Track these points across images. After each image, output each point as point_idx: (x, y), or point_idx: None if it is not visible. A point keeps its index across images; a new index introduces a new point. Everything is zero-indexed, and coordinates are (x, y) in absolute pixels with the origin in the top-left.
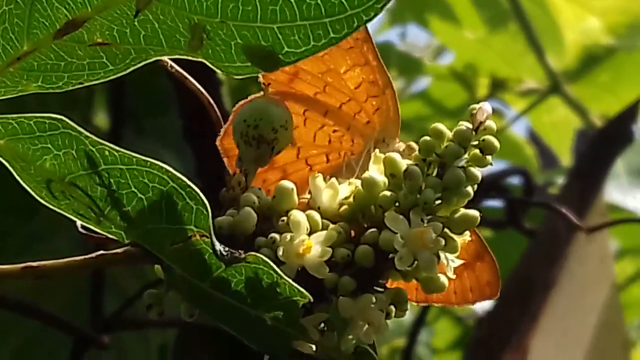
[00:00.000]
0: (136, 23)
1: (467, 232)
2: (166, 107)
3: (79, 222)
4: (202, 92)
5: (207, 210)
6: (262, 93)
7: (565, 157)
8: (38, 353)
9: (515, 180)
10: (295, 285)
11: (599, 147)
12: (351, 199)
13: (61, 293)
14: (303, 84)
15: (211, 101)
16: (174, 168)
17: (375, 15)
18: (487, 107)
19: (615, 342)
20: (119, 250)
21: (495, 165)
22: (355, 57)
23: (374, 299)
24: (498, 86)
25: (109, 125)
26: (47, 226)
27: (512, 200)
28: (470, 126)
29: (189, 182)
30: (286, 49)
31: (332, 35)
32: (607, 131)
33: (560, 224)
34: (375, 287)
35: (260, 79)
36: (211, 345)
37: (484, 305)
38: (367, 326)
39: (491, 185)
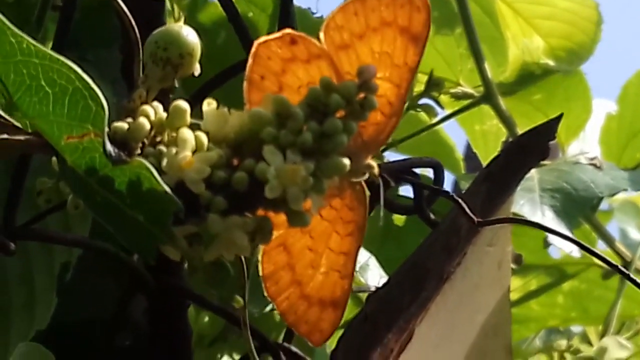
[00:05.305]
0: None
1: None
2: (111, 42)
3: None
4: (124, 12)
5: (104, 112)
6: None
7: None
8: None
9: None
10: (171, 193)
11: (512, 156)
12: (239, 129)
13: None
14: None
15: (132, 22)
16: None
17: None
18: (372, 68)
19: (498, 345)
20: (21, 137)
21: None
22: None
23: (241, 221)
24: (435, 85)
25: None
26: None
27: (416, 186)
28: (357, 83)
29: (92, 85)
30: None
31: None
32: (522, 141)
33: (463, 220)
34: (245, 212)
35: None
36: (110, 273)
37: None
38: (230, 244)
39: (403, 172)
